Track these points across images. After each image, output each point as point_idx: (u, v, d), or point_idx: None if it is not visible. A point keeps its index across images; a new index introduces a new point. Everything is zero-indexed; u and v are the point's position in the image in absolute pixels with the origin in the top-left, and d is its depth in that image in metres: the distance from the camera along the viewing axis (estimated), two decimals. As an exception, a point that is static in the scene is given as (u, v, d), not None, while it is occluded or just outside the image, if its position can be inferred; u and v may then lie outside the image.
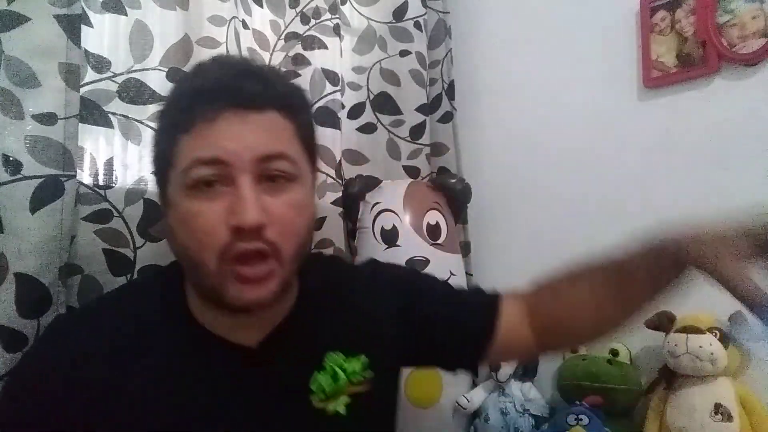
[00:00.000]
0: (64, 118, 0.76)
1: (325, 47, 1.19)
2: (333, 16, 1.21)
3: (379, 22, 1.34)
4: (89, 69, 0.86)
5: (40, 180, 0.73)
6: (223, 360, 0.61)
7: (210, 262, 0.55)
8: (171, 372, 0.59)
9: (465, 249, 1.34)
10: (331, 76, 1.19)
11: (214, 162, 0.55)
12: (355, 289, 0.74)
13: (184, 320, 0.62)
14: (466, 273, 1.31)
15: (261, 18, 1.17)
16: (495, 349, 0.72)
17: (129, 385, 0.57)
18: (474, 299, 0.77)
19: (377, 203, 1.20)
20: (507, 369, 1.15)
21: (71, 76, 0.77)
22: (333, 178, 1.17)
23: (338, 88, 1.20)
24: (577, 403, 1.05)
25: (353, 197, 1.20)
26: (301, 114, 0.63)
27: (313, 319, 0.66)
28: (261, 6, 1.18)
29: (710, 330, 0.95)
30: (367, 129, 1.30)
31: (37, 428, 0.55)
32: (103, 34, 0.90)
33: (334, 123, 1.18)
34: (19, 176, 0.72)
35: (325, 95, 1.17)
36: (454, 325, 0.73)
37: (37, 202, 0.73)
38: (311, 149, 0.65)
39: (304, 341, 0.64)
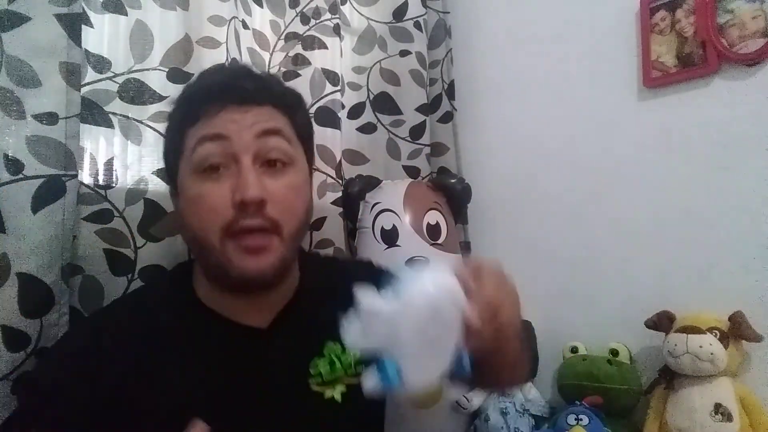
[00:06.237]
0: (65, 118, 0.76)
1: (325, 47, 1.19)
2: (333, 16, 1.21)
3: (379, 22, 1.34)
4: (89, 69, 0.86)
5: (42, 180, 0.73)
6: (235, 340, 0.66)
7: (215, 238, 0.60)
8: (188, 352, 0.63)
9: (465, 249, 1.34)
10: (331, 76, 1.19)
11: (217, 137, 0.61)
12: (351, 285, 0.76)
13: (196, 307, 0.67)
14: (467, 273, 1.30)
15: (261, 18, 1.18)
16: None
17: (149, 366, 0.60)
18: None
19: (377, 203, 1.20)
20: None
21: (72, 75, 0.77)
22: (333, 178, 1.17)
23: (338, 88, 1.19)
24: (577, 403, 1.06)
25: (353, 197, 1.20)
26: (297, 111, 0.69)
27: (313, 309, 0.70)
28: (261, 6, 1.18)
29: (710, 330, 0.95)
30: (367, 129, 1.30)
31: (68, 395, 0.57)
32: (104, 34, 0.89)
33: (334, 123, 1.18)
34: (20, 176, 0.72)
35: (325, 95, 1.17)
36: None
37: (38, 202, 0.72)
38: (307, 143, 0.71)
39: (305, 327, 0.68)
